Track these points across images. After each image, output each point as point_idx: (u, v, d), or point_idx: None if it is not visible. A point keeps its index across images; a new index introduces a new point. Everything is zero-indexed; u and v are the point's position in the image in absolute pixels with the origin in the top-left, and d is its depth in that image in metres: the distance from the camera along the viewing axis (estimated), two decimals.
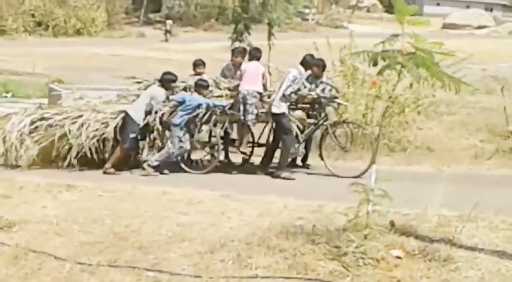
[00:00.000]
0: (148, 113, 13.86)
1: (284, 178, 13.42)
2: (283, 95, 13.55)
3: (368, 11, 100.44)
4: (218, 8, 73.58)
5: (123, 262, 7.43)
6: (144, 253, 7.68)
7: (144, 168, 13.67)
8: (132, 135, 13.82)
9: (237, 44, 31.58)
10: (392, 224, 8.24)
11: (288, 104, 13.69)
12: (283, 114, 13.57)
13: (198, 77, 14.49)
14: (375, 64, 8.30)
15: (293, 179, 13.41)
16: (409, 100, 16.58)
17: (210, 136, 14.44)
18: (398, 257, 7.26)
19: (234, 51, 15.35)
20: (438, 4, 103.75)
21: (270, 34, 32.40)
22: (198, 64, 15.26)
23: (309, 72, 14.10)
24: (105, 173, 13.62)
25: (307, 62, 14.23)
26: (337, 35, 31.46)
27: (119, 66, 37.04)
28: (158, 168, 13.69)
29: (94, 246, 7.94)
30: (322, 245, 7.48)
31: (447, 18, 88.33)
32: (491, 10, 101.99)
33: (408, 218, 8.80)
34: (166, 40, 61.40)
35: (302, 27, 73.93)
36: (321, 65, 14.38)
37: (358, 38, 17.20)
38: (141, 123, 13.83)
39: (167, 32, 63.03)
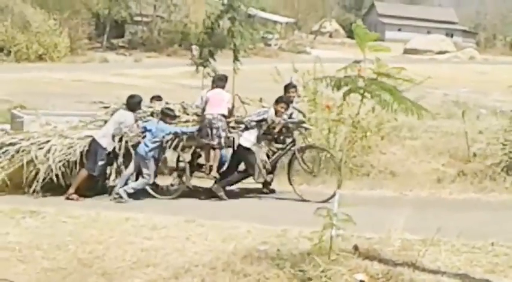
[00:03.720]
0: (119, 138, 13.83)
1: (217, 195, 13.69)
2: (246, 127, 13.75)
3: (330, 36, 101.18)
4: (181, 34, 73.74)
5: None
6: (108, 279, 7.65)
7: (113, 194, 13.55)
8: (101, 163, 13.73)
9: (200, 69, 31.79)
10: (356, 248, 8.29)
11: (256, 135, 13.73)
12: (249, 149, 13.66)
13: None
14: (339, 89, 8.41)
15: (225, 199, 13.61)
16: (372, 124, 16.67)
17: (178, 161, 14.40)
18: (362, 281, 7.29)
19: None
20: (399, 29, 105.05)
21: (236, 59, 32.51)
22: (154, 99, 15.25)
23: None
24: (67, 198, 13.47)
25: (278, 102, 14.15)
26: (300, 60, 31.63)
27: (82, 92, 36.75)
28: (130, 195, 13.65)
29: (57, 273, 7.89)
30: (286, 269, 7.50)
31: (408, 43, 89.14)
32: (451, 36, 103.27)
33: (372, 242, 8.86)
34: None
35: (265, 52, 74.23)
36: (289, 86, 14.78)
37: (321, 63, 17.31)
38: (110, 149, 13.75)
39: (193, 56, 62.45)
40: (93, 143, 13.74)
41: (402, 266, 7.85)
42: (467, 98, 31.86)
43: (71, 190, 13.62)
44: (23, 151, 13.87)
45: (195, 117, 14.23)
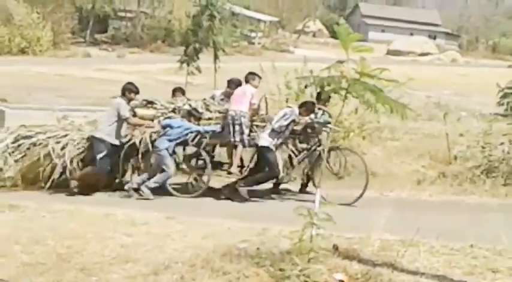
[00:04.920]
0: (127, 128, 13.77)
1: (242, 195, 13.41)
2: (272, 129, 13.47)
3: (314, 36, 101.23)
4: (165, 30, 73.68)
5: None
6: (87, 274, 7.62)
7: (128, 189, 13.56)
8: (99, 156, 13.54)
9: (184, 67, 31.73)
10: (335, 247, 8.30)
11: (279, 140, 13.55)
12: (267, 147, 13.44)
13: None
14: (322, 88, 8.41)
15: (247, 199, 13.40)
16: (354, 125, 16.72)
17: (198, 160, 14.27)
18: (342, 281, 7.30)
19: (229, 82, 14.93)
20: (383, 31, 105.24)
21: (216, 57, 32.55)
22: (176, 91, 15.18)
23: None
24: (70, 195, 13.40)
25: (307, 107, 13.92)
26: (283, 59, 31.73)
27: (64, 86, 36.74)
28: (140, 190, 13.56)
29: (36, 268, 7.85)
30: (266, 267, 7.49)
31: (391, 44, 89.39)
32: (434, 38, 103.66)
33: (351, 242, 8.87)
34: None
35: (248, 50, 74.22)
36: (326, 98, 14.28)
37: (304, 63, 17.35)
38: (112, 141, 13.57)
39: None
40: (93, 138, 13.66)
41: (381, 266, 7.86)
42: (449, 101, 32.05)
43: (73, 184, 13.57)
44: (39, 144, 13.73)
45: (218, 115, 14.11)
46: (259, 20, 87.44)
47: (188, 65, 31.95)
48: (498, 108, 26.43)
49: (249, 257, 7.90)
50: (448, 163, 16.66)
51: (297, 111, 13.66)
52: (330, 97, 14.34)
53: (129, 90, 13.93)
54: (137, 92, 14.08)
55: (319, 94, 14.54)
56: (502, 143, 16.28)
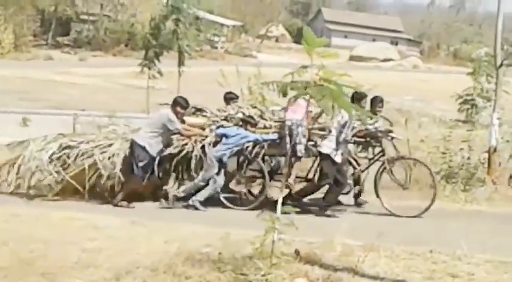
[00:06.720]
0: (169, 139, 13.34)
1: (329, 216, 12.78)
2: (337, 142, 12.86)
3: (277, 40, 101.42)
4: (127, 34, 73.36)
5: None
6: (49, 279, 7.60)
7: (170, 198, 13.13)
8: (141, 164, 13.05)
9: (146, 71, 31.62)
10: (297, 252, 8.36)
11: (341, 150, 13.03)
12: (329, 156, 12.88)
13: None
14: (285, 94, 8.44)
15: (337, 217, 12.72)
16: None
17: (251, 170, 13.74)
18: None
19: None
20: (345, 36, 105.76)
21: (180, 61, 32.40)
22: (229, 99, 14.66)
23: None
24: (116, 205, 12.99)
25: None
26: (246, 63, 31.69)
27: (26, 89, 36.48)
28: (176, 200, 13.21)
29: None
30: (228, 272, 7.53)
31: (354, 50, 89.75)
32: (396, 44, 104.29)
33: (313, 247, 8.94)
34: None
35: (211, 55, 74.14)
36: (378, 100, 14.05)
37: (267, 68, 17.36)
38: (152, 153, 13.11)
39: None
40: (133, 145, 13.19)
41: (342, 271, 7.94)
42: (411, 106, 32.33)
43: (119, 197, 13.18)
44: (82, 155, 13.30)
45: (275, 123, 13.59)
46: (222, 25, 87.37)
47: (149, 68, 31.79)
48: (459, 114, 26.73)
49: (211, 261, 7.94)
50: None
51: (346, 115, 12.72)
52: (382, 101, 14.12)
53: (178, 104, 13.40)
54: (186, 107, 13.56)
55: (373, 101, 14.06)
56: (461, 149, 16.48)
